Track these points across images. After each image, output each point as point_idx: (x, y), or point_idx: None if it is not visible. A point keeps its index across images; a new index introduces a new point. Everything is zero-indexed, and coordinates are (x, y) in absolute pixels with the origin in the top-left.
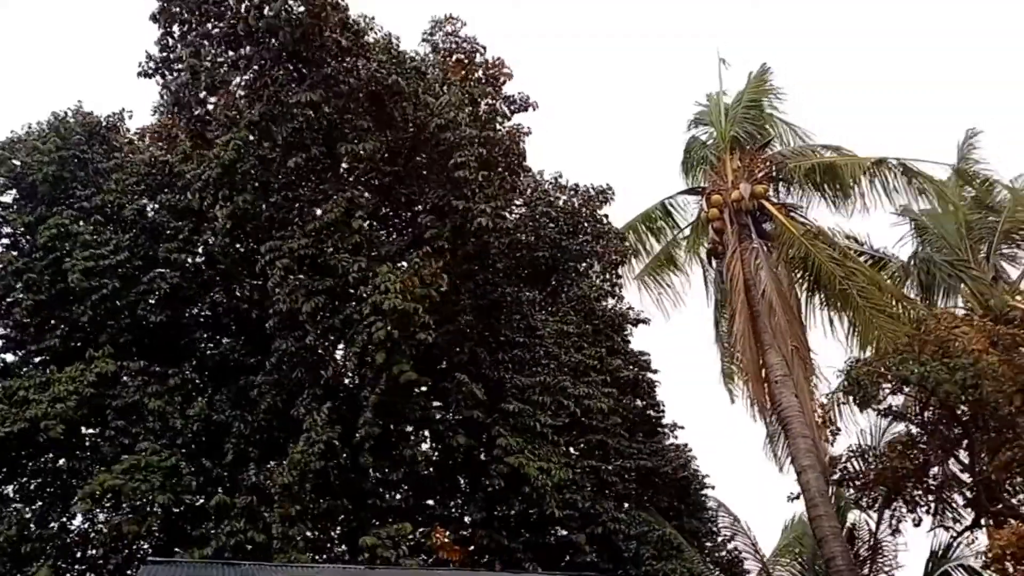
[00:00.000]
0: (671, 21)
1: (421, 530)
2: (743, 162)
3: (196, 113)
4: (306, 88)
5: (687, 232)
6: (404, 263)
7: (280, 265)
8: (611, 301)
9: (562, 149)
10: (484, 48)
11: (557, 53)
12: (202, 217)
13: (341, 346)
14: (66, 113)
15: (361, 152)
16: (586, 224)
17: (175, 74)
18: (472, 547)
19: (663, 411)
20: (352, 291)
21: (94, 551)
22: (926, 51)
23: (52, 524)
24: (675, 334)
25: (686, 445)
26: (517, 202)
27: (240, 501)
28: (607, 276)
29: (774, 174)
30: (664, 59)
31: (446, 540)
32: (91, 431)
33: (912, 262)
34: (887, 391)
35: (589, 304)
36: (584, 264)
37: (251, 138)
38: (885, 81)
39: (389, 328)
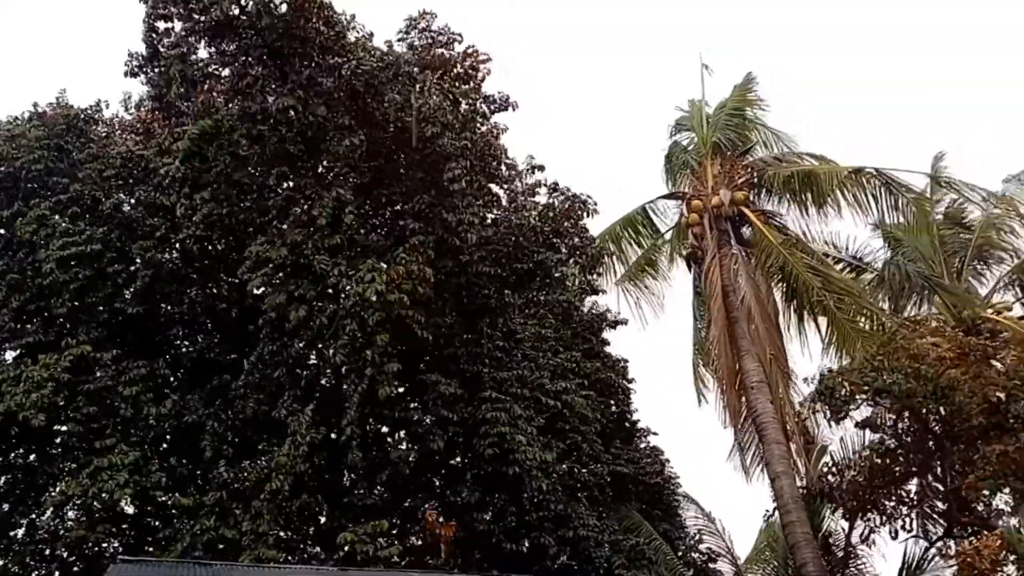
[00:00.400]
0: (666, 21)
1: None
2: (724, 168)
3: (176, 108)
4: (286, 91)
5: (668, 237)
6: (383, 264)
7: (261, 274)
8: (588, 304)
9: (555, 149)
10: (460, 36)
11: (550, 52)
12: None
13: (320, 345)
14: (47, 104)
15: (340, 151)
16: (566, 233)
17: (159, 70)
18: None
19: (638, 419)
20: (332, 291)
21: (63, 551)
22: (923, 50)
23: (21, 521)
24: (654, 338)
25: (659, 449)
26: (494, 212)
27: (210, 499)
28: (586, 282)
29: (754, 181)
30: (657, 58)
31: (439, 520)
32: (64, 428)
33: (887, 271)
34: (861, 401)
35: (567, 308)
36: (562, 270)
37: (223, 132)
38: (882, 80)
39: (376, 315)
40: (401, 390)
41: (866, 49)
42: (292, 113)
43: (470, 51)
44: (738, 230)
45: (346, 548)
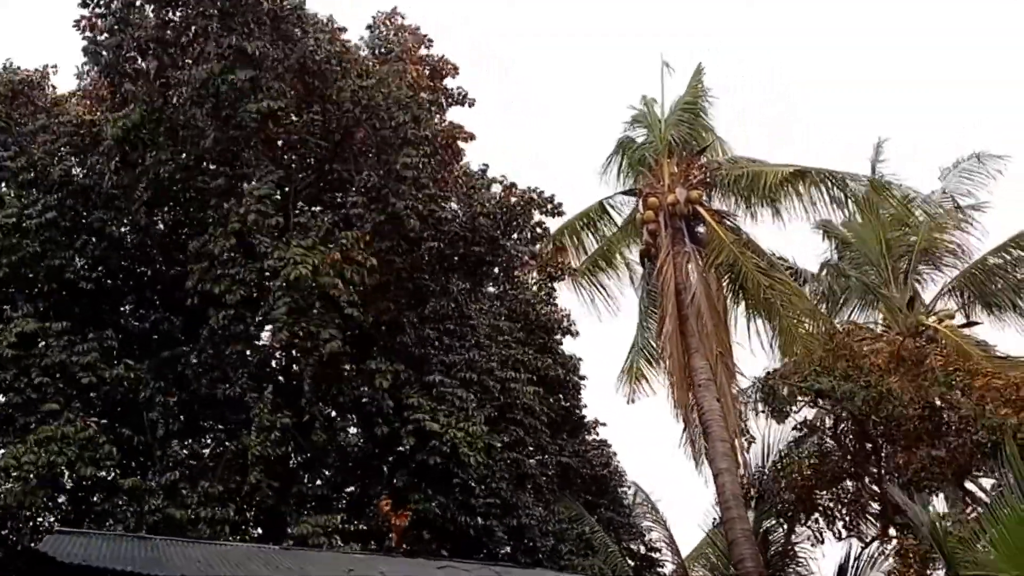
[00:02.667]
0: (666, 20)
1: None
2: (680, 167)
3: (122, 73)
4: (240, 67)
5: (623, 233)
6: (325, 246)
7: (200, 268)
8: (546, 308)
9: (555, 149)
10: (431, 41)
11: (551, 52)
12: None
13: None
14: None
15: (268, 108)
16: (521, 224)
17: (104, 34)
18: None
19: (585, 414)
20: (270, 272)
21: None
22: (923, 50)
23: None
24: (607, 332)
25: (607, 442)
26: (449, 199)
27: (161, 478)
28: (543, 283)
29: (709, 180)
30: (657, 58)
31: (389, 510)
32: (4, 398)
33: (826, 274)
34: (803, 403)
35: (523, 308)
36: (519, 269)
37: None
38: (881, 80)
39: (296, 297)
40: (352, 369)
41: (866, 49)
42: (249, 85)
43: (440, 58)
44: (692, 229)
45: (295, 542)
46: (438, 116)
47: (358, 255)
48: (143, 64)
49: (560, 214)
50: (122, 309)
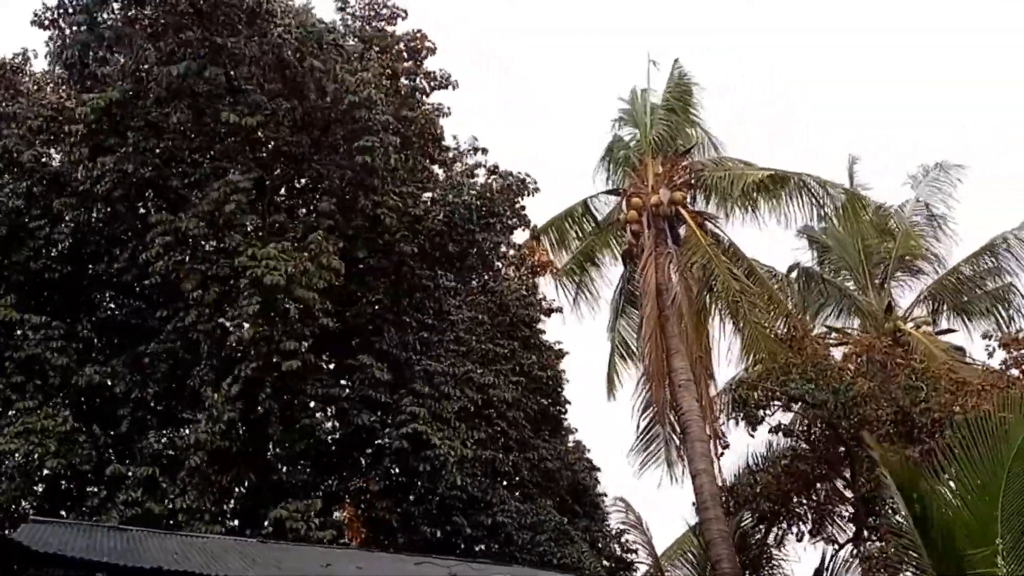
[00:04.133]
0: (666, 20)
1: (322, 507)
2: (664, 168)
3: (88, 71)
4: (209, 62)
5: (607, 232)
6: (295, 248)
7: (161, 245)
8: (527, 295)
9: (556, 149)
10: (405, 13)
11: (551, 51)
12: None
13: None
14: None
15: (243, 124)
16: (502, 213)
17: (72, 28)
18: (374, 516)
19: (566, 411)
20: (240, 271)
21: None
22: (919, 49)
23: None
24: (588, 331)
25: (583, 445)
26: (429, 192)
27: (142, 472)
28: (524, 272)
29: (693, 181)
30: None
31: (353, 517)
32: None
33: (811, 279)
34: (777, 407)
35: (504, 298)
36: (500, 258)
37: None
38: (881, 79)
39: (268, 300)
40: (331, 366)
41: (865, 48)
42: (225, 86)
43: (417, 33)
44: (675, 230)
45: (271, 528)
46: (419, 99)
47: (327, 259)
48: (115, 57)
49: (536, 191)
50: (95, 298)
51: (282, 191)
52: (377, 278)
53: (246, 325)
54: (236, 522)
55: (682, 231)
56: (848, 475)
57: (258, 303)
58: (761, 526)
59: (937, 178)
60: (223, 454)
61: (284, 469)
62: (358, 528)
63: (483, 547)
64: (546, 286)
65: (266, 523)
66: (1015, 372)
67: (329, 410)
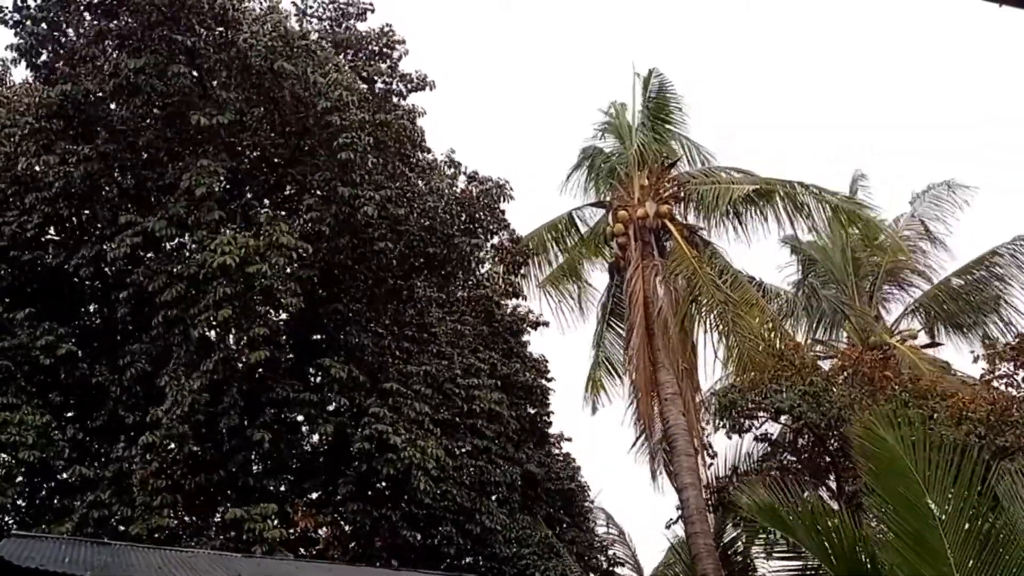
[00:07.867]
0: (666, 22)
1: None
2: (650, 180)
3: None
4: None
5: (591, 244)
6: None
7: (126, 243)
8: (511, 304)
9: (554, 150)
10: (372, 6)
11: (540, 56)
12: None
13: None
14: None
15: (214, 124)
16: (483, 217)
17: (36, 27)
18: (343, 521)
19: (552, 422)
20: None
21: None
22: (915, 58)
23: None
24: (573, 344)
25: (571, 456)
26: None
27: (109, 471)
28: (509, 283)
29: (680, 194)
30: (655, 61)
31: (308, 512)
32: None
33: (799, 291)
34: (764, 418)
35: (488, 306)
36: (482, 263)
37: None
38: (881, 81)
39: (236, 287)
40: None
41: (860, 58)
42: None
43: (385, 29)
44: (661, 242)
45: (232, 532)
46: (395, 102)
47: (286, 239)
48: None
49: (512, 198)
50: (84, 294)
51: (265, 201)
52: (354, 279)
53: (211, 314)
54: (194, 517)
55: (669, 244)
56: (834, 485)
57: (224, 292)
58: (745, 537)
59: (938, 195)
60: (188, 454)
61: (252, 470)
62: (331, 533)
63: (469, 560)
64: (532, 300)
65: (219, 520)
66: (998, 385)
67: (298, 411)
